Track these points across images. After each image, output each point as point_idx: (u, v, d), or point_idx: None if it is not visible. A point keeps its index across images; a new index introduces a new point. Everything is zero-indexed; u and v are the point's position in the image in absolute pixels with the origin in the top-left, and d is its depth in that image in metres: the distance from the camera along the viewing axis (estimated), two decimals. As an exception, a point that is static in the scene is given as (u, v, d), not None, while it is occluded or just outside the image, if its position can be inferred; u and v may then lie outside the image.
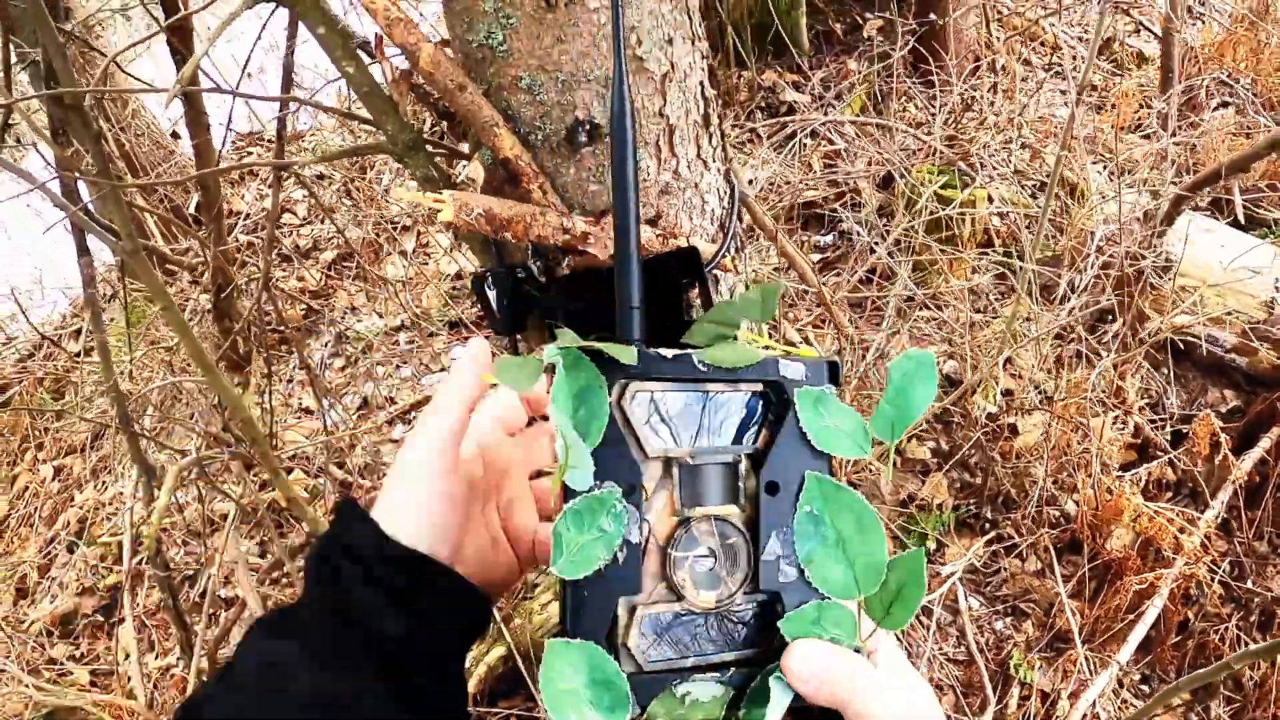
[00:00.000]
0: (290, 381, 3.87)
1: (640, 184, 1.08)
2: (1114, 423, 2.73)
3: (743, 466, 0.70)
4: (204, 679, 2.52)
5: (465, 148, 1.30)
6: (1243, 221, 3.08)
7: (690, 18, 1.07)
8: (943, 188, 3.07)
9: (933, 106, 3.44)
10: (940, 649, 2.48)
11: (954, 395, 2.71)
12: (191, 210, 4.49)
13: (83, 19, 3.97)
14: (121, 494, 3.56)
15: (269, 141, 5.37)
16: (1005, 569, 2.66)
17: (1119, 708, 2.32)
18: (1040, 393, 2.80)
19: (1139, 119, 3.75)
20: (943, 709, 2.32)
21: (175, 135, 5.08)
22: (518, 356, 0.71)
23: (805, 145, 3.74)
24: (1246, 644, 2.41)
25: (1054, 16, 4.34)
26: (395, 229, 4.32)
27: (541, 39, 0.97)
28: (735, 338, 0.84)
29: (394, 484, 0.70)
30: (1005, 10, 4.50)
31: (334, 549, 0.67)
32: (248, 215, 4.67)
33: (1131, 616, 2.41)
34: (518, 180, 1.02)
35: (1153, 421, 2.81)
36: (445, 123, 1.15)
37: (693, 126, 1.10)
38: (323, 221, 4.56)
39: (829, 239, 3.61)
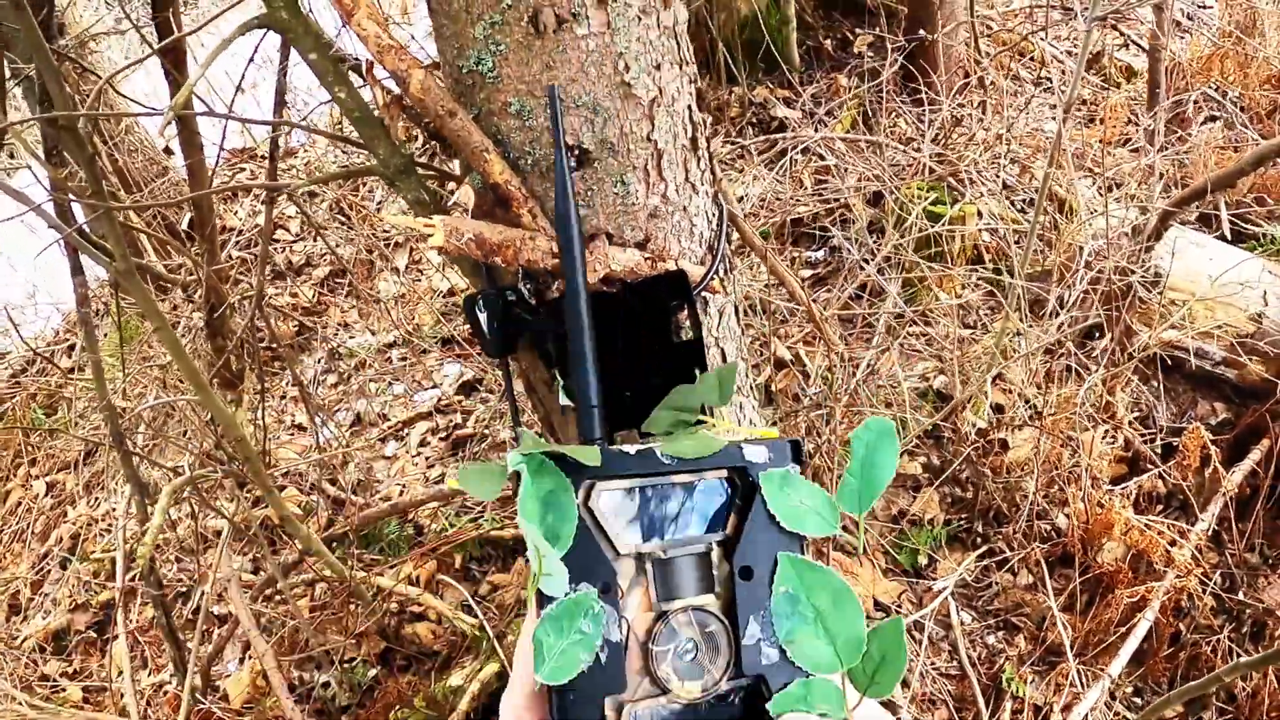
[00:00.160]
0: (283, 398, 3.87)
1: (629, 207, 1.09)
2: (1104, 437, 2.74)
3: (715, 554, 0.70)
4: (196, 697, 2.52)
5: (456, 169, 1.31)
6: (1229, 236, 3.10)
7: (678, 42, 1.08)
8: (933, 204, 3.09)
9: (922, 122, 3.46)
10: (932, 663, 2.49)
11: (944, 411, 2.72)
12: (185, 226, 4.49)
13: (76, 35, 3.98)
14: (114, 510, 3.55)
15: (262, 157, 5.38)
16: (997, 583, 2.66)
17: (1111, 721, 2.33)
18: (1030, 408, 2.81)
19: (1127, 134, 3.78)
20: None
21: (168, 151, 5.08)
22: (481, 464, 0.72)
23: (796, 161, 3.76)
24: (1238, 655, 2.42)
25: (1042, 32, 4.38)
26: (388, 246, 4.33)
27: (530, 65, 0.99)
28: (697, 423, 0.86)
29: None
30: (994, 26, 4.54)
31: None
32: (240, 232, 4.67)
33: (1123, 629, 2.41)
34: (508, 205, 1.03)
35: (1143, 435, 2.82)
36: (436, 144, 1.16)
37: (681, 150, 1.11)
38: (315, 238, 4.57)
39: (819, 255, 3.62)
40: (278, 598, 2.95)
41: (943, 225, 2.94)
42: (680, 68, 1.09)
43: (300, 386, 3.07)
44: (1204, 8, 4.74)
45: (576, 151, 1.03)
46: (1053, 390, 2.62)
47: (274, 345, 3.60)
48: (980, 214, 3.16)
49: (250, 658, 2.87)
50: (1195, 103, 3.72)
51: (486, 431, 3.39)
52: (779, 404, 2.83)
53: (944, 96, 3.44)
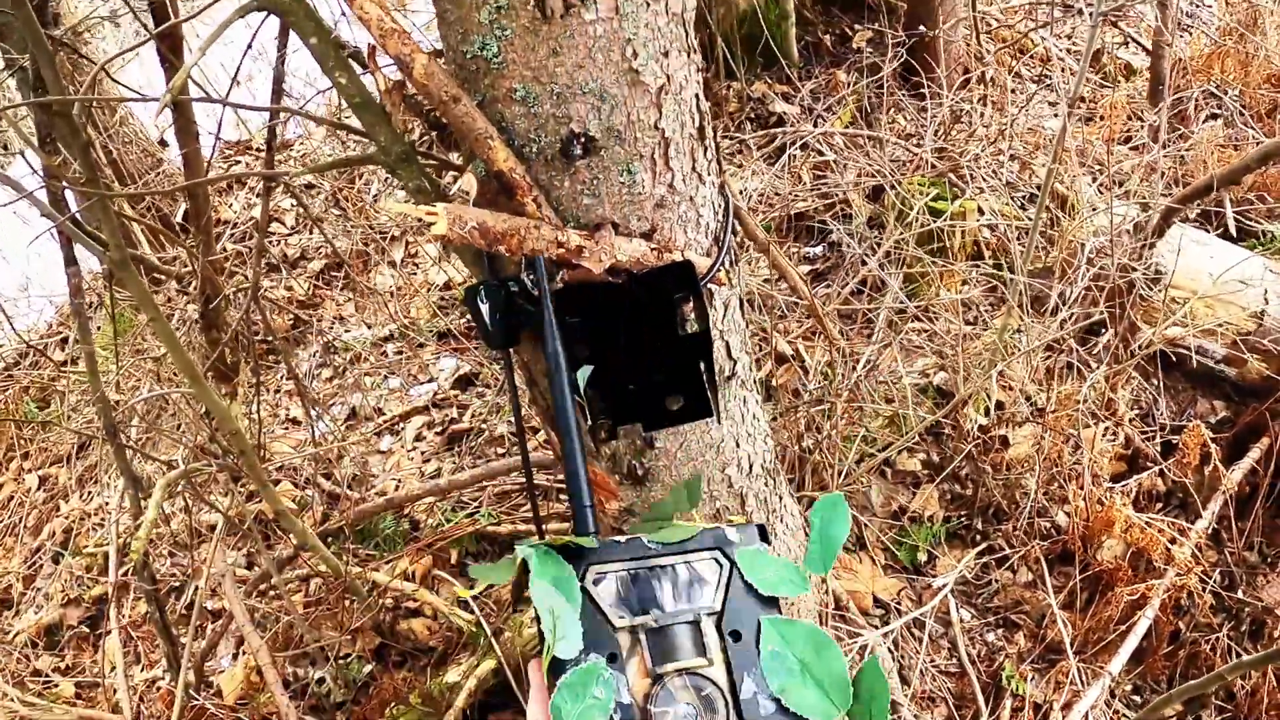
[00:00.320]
0: (278, 392, 3.85)
1: (636, 197, 1.07)
2: (1105, 434, 2.73)
3: (704, 623, 0.77)
4: (190, 693, 2.50)
5: (456, 158, 1.29)
6: (1234, 234, 3.09)
7: (686, 30, 1.06)
8: (934, 200, 3.07)
9: (922, 118, 3.44)
10: (932, 661, 2.48)
11: (947, 408, 2.71)
12: (179, 219, 4.46)
13: (71, 25, 3.95)
14: (107, 504, 3.53)
15: (257, 150, 5.35)
16: (996, 580, 2.65)
17: (1111, 719, 2.32)
18: (1031, 404, 2.80)
19: (1128, 131, 3.77)
20: (935, 722, 2.32)
21: (163, 143, 5.06)
22: (492, 563, 0.84)
23: (795, 157, 3.74)
24: (1237, 654, 2.41)
25: (1044, 29, 4.36)
26: (384, 239, 4.30)
27: (536, 51, 0.97)
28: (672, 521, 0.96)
29: None
30: (994, 23, 4.52)
31: None
32: (235, 224, 4.64)
33: (1123, 627, 2.40)
34: (512, 193, 1.01)
35: (1143, 432, 2.81)
36: (436, 133, 1.14)
37: (688, 139, 1.10)
38: (311, 231, 4.54)
39: (818, 250, 3.61)
40: (272, 593, 2.93)
41: (944, 221, 2.92)
42: (688, 55, 1.07)
43: (295, 380, 3.05)
44: (1203, 6, 4.73)
45: (583, 139, 1.01)
46: (1054, 387, 2.61)
47: (269, 338, 3.58)
48: (981, 210, 3.15)
49: (244, 653, 2.85)
50: (1196, 101, 3.71)
51: (483, 426, 3.37)
52: (779, 399, 2.81)
53: (944, 92, 3.42)
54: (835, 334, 2.52)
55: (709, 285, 1.17)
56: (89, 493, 3.72)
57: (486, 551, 2.95)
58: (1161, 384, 2.80)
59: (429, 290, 4.05)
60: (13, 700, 2.48)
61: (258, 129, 5.36)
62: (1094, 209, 3.02)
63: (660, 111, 1.04)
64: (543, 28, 0.95)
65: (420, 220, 1.00)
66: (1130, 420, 2.80)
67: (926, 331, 3.02)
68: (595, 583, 0.78)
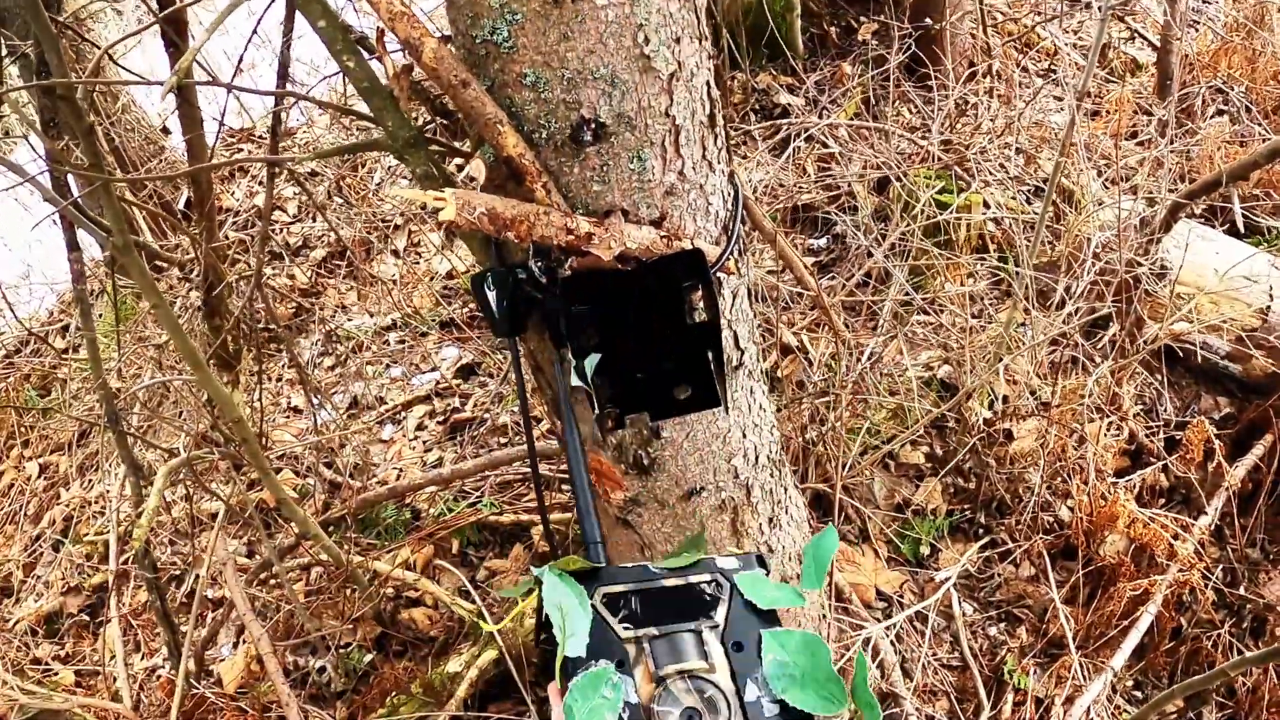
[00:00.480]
0: (280, 380, 3.84)
1: (646, 184, 1.06)
2: (1109, 429, 2.72)
3: (706, 634, 0.83)
4: (190, 681, 2.50)
5: (462, 145, 1.28)
6: (1242, 230, 3.08)
7: (698, 16, 1.05)
8: (939, 193, 3.06)
9: (928, 111, 3.43)
10: (934, 654, 2.48)
11: (952, 401, 2.70)
12: (181, 206, 4.45)
13: (73, 11, 3.94)
14: (108, 492, 3.52)
15: (260, 138, 5.34)
16: (999, 575, 2.65)
17: (1113, 714, 2.32)
18: (1036, 398, 2.79)
19: (1134, 126, 3.75)
20: (937, 715, 2.32)
21: (166, 130, 5.04)
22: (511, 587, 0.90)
23: (800, 149, 3.73)
24: (1239, 650, 2.41)
25: (1051, 23, 4.34)
26: (387, 227, 4.29)
27: (547, 35, 0.96)
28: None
29: None
30: (1001, 16, 4.51)
31: None
32: (238, 212, 4.63)
33: (1125, 623, 2.40)
34: (521, 179, 1.00)
35: (1147, 428, 2.80)
36: (441, 120, 1.13)
37: (699, 127, 1.09)
38: (314, 219, 4.53)
39: (822, 242, 3.60)
40: (273, 582, 2.93)
41: (949, 214, 2.91)
42: (699, 42, 1.06)
43: (298, 368, 3.04)
44: (1210, 2, 4.71)
45: (593, 125, 1.00)
46: (1059, 381, 2.60)
47: (271, 326, 3.57)
48: (986, 204, 3.14)
49: (245, 642, 2.85)
50: (1202, 96, 3.69)
51: (485, 416, 3.37)
52: (783, 391, 2.81)
53: (950, 85, 3.41)
54: (840, 326, 2.51)
55: (718, 274, 1.16)
56: (90, 480, 3.71)
57: (488, 541, 2.95)
58: (1166, 379, 2.79)
59: (432, 279, 4.04)
60: (12, 688, 2.48)
61: (260, 116, 5.34)
62: (1100, 203, 3.01)
63: (671, 98, 1.04)
64: (554, 12, 0.94)
65: (428, 205, 0.99)
66: (1134, 415, 2.79)
67: (931, 324, 3.01)
68: (604, 602, 0.84)
